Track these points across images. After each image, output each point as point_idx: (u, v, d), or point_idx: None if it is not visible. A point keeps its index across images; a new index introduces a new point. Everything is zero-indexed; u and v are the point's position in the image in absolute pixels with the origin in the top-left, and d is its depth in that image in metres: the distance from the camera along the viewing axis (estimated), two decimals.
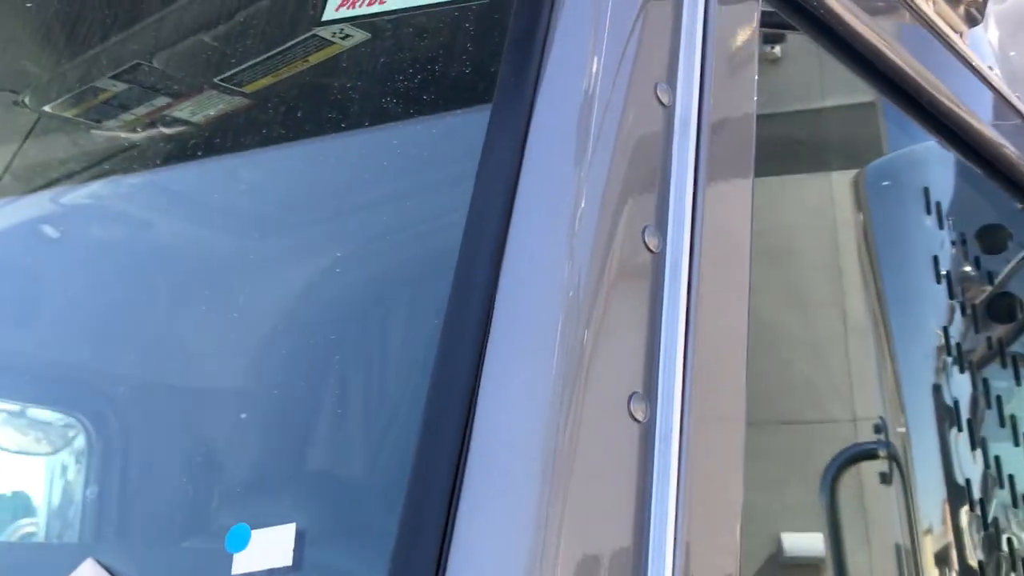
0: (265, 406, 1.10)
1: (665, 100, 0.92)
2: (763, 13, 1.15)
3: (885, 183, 1.93)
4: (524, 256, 0.82)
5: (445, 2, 1.01)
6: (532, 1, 0.95)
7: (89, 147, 1.51)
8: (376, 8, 1.03)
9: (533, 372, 0.78)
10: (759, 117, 2.14)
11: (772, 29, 1.21)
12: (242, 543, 0.78)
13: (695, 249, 0.88)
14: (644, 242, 0.87)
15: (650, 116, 0.92)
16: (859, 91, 2.09)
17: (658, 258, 0.87)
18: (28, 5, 1.40)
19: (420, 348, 0.95)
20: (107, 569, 0.82)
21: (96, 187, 1.50)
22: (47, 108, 1.50)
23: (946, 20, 1.44)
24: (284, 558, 0.75)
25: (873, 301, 2.03)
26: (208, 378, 1.19)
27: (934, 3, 1.43)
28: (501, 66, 0.91)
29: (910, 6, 1.34)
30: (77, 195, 1.51)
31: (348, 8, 1.05)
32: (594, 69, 0.90)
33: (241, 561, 0.77)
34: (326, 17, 1.07)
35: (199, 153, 1.38)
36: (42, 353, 1.41)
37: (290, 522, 0.78)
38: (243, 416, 1.11)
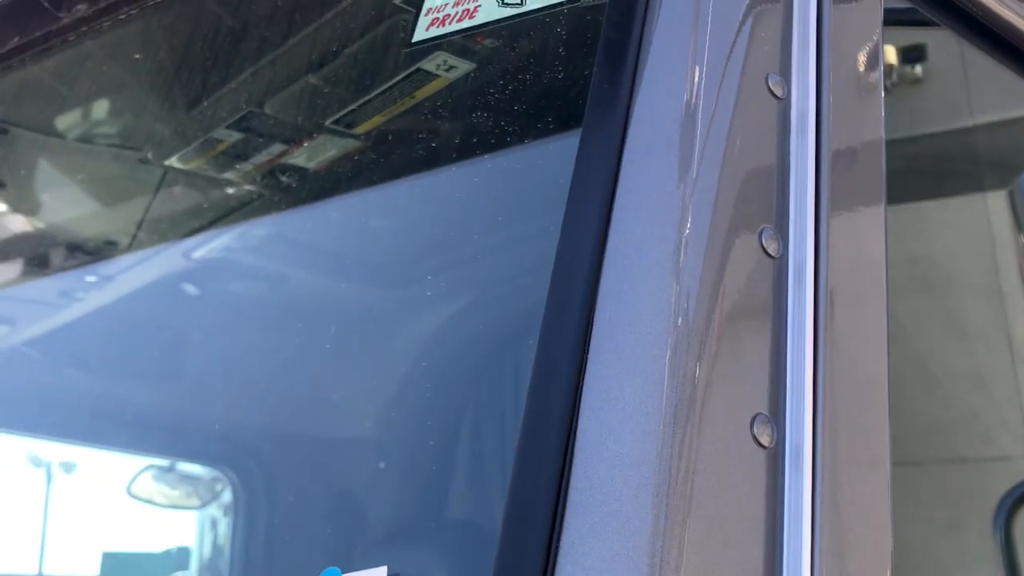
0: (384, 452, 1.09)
1: (779, 92, 0.84)
2: (896, 11, 1.05)
3: None
4: (625, 266, 0.75)
5: (536, 10, 0.96)
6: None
7: (214, 198, 1.54)
8: (466, 23, 1.00)
9: (639, 395, 0.71)
10: (904, 140, 2.02)
11: (909, 25, 1.11)
12: None
13: (820, 253, 0.79)
14: (762, 246, 0.79)
15: (763, 109, 0.84)
16: (1009, 106, 1.95)
17: (779, 263, 0.79)
18: (137, 57, 1.44)
19: (516, 380, 0.89)
20: None
21: (225, 238, 1.52)
22: (170, 163, 1.54)
23: None
24: None
25: None
26: (327, 428, 1.18)
27: None
28: (595, 66, 0.85)
29: None
30: (207, 248, 1.53)
31: (438, 27, 1.02)
32: (697, 62, 0.83)
33: None
34: (416, 38, 1.05)
35: (320, 197, 1.38)
36: (182, 407, 1.43)
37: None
38: (380, 465, 1.10)
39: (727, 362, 0.74)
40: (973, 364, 2.13)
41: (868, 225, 0.87)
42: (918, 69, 2.11)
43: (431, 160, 1.22)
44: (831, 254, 0.78)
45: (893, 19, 1.11)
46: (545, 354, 0.73)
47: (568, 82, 0.98)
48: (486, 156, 1.13)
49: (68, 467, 1.56)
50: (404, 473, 1.06)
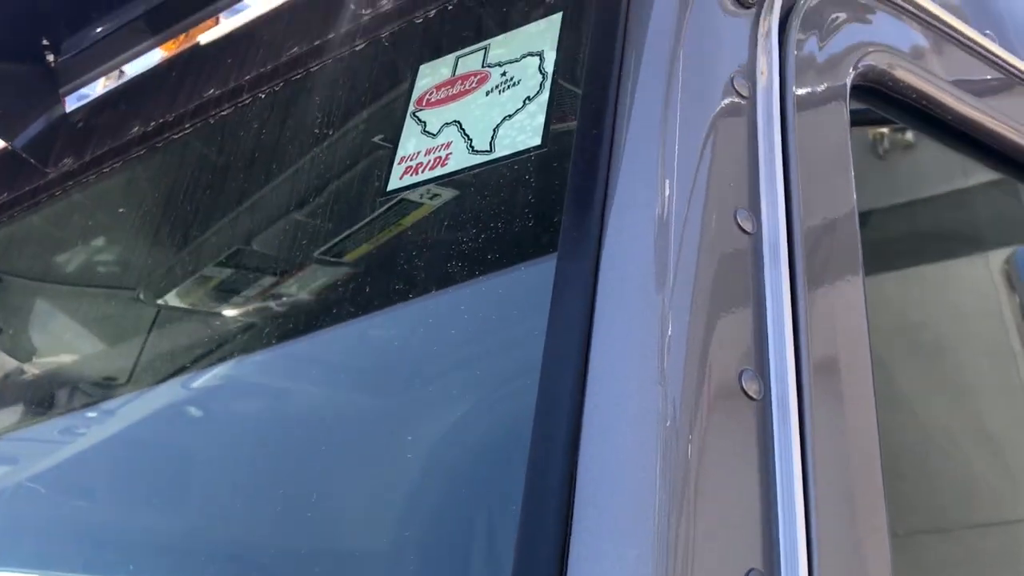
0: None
1: (748, 227, 0.84)
2: (855, 111, 1.06)
3: None
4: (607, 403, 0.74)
5: (504, 157, 0.97)
6: (593, 140, 0.89)
7: (210, 331, 1.54)
8: (439, 171, 1.01)
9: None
10: (901, 206, 2.01)
11: (869, 127, 1.12)
12: None
13: (804, 399, 0.78)
14: (742, 387, 0.78)
15: (734, 244, 0.84)
16: None
17: (761, 405, 0.78)
18: (120, 212, 1.46)
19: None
20: None
21: (222, 369, 1.52)
22: (163, 301, 1.55)
23: None
24: None
25: None
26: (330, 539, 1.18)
27: None
28: (564, 212, 0.85)
29: None
30: (205, 379, 1.53)
31: (412, 175, 1.03)
32: (664, 204, 0.83)
33: None
34: (391, 187, 1.05)
35: (314, 323, 1.39)
36: (192, 535, 1.42)
37: None
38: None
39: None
40: (991, 425, 2.10)
41: (853, 328, 0.86)
42: (909, 135, 2.11)
43: (418, 284, 1.22)
44: (815, 397, 0.76)
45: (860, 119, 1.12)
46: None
47: (545, 209, 0.99)
48: (469, 280, 1.13)
49: None
50: None
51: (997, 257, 2.13)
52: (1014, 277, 1.83)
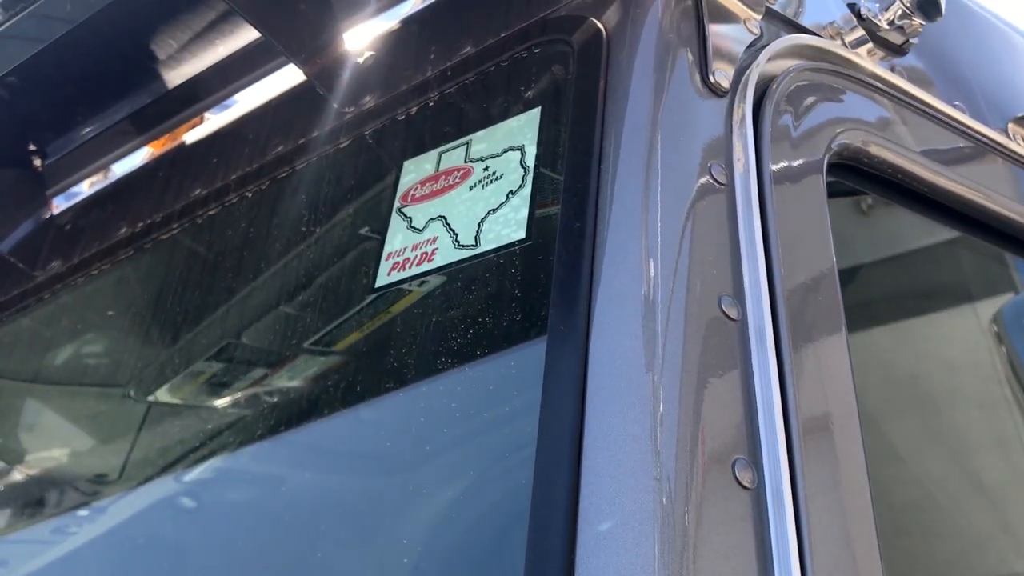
0: None
1: (733, 314, 0.85)
2: (833, 184, 1.08)
3: None
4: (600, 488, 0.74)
5: (490, 251, 0.98)
6: (576, 232, 0.91)
7: (201, 426, 1.54)
8: (426, 266, 1.02)
9: None
10: (887, 260, 2.03)
11: (844, 196, 1.14)
12: None
13: (798, 488, 0.78)
14: (736, 477, 0.78)
15: (720, 332, 0.84)
16: None
17: (755, 494, 0.78)
18: (108, 314, 1.46)
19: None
20: None
21: (213, 463, 1.51)
22: (154, 397, 1.54)
23: None
24: None
25: None
26: None
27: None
28: (551, 305, 0.86)
29: (998, 149, 1.25)
30: (197, 474, 1.53)
31: (399, 271, 1.04)
32: (649, 294, 0.84)
33: None
34: (379, 283, 1.06)
35: (305, 414, 1.38)
36: None
37: None
38: None
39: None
40: (992, 477, 2.09)
41: (840, 393, 0.86)
42: None
43: (407, 376, 1.22)
44: (809, 492, 0.77)
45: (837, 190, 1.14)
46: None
47: (534, 299, 1.00)
48: (458, 370, 1.14)
49: None
50: None
51: (985, 308, 2.15)
52: (1002, 332, 1.84)
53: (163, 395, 1.54)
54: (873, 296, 2.18)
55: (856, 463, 0.85)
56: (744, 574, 0.74)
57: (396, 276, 1.04)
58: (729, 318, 0.85)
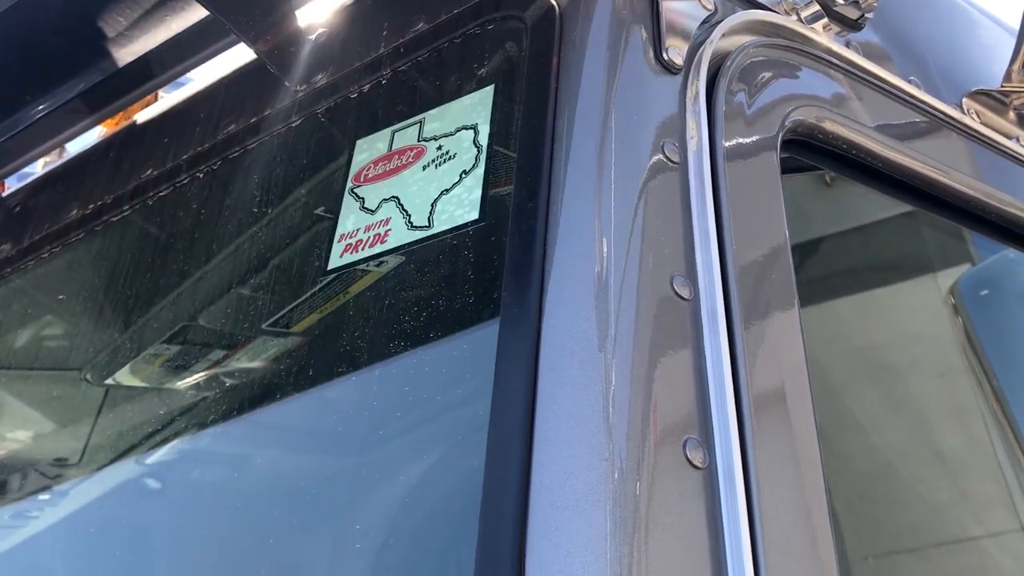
0: None
1: (685, 294, 0.85)
2: (788, 159, 1.08)
3: (984, 292, 1.78)
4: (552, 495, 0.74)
5: (443, 232, 0.97)
6: (528, 212, 0.90)
7: (157, 408, 1.53)
8: (379, 248, 1.01)
9: None
10: (849, 232, 2.04)
11: (799, 172, 1.14)
12: None
13: (750, 468, 0.78)
14: (687, 457, 0.78)
15: (672, 312, 0.84)
16: None
17: (707, 473, 0.78)
18: (61, 298, 1.44)
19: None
20: None
21: (172, 445, 1.50)
22: (111, 380, 1.53)
23: (997, 129, 1.34)
24: None
25: (995, 406, 1.86)
26: None
27: (979, 115, 1.33)
28: (504, 285, 0.86)
29: (952, 124, 1.25)
30: (155, 456, 1.51)
31: (352, 253, 1.03)
32: (601, 273, 0.83)
33: None
34: (332, 265, 1.05)
35: (262, 395, 1.38)
36: None
37: None
38: None
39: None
40: (952, 445, 2.12)
41: (796, 409, 0.87)
42: None
43: (362, 356, 1.22)
44: (760, 471, 0.77)
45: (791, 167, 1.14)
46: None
47: (487, 278, 0.99)
48: (413, 350, 1.13)
49: None
50: None
51: (946, 279, 2.17)
52: (958, 303, 1.86)
53: (119, 378, 1.52)
54: (836, 268, 2.20)
55: (808, 440, 0.86)
56: (695, 553, 0.74)
57: (349, 258, 1.03)
58: (681, 298, 0.85)
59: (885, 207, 2.20)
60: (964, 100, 1.38)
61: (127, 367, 1.50)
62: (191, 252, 1.34)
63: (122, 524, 1.47)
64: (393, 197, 1.03)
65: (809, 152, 1.13)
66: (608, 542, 0.72)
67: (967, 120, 1.32)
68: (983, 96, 1.39)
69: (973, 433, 2.06)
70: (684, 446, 0.78)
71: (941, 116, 1.30)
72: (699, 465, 0.78)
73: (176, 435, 1.48)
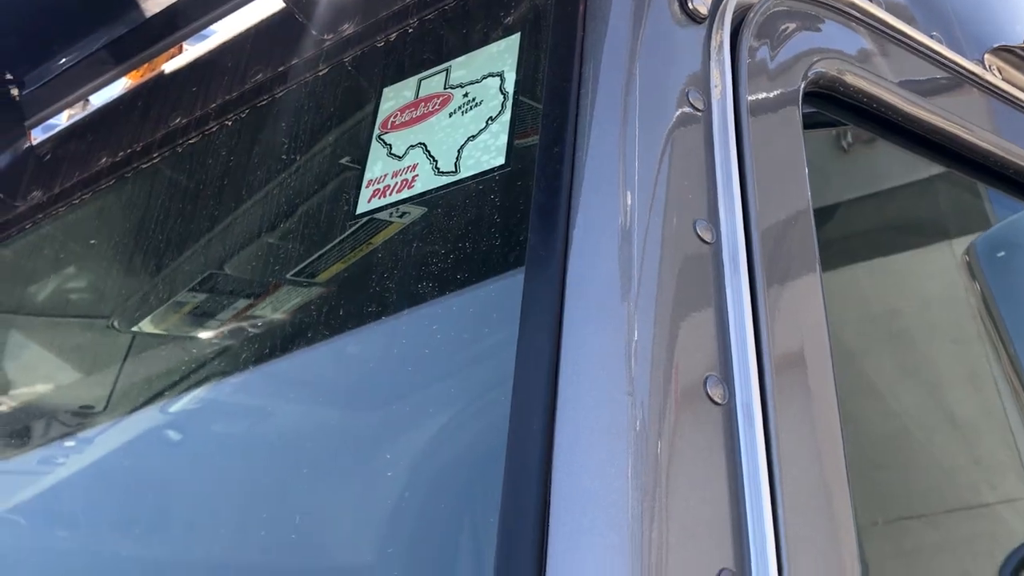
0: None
1: (707, 237, 0.87)
2: (809, 115, 1.09)
3: (1000, 253, 1.79)
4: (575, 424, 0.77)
5: (469, 177, 0.99)
6: (554, 157, 0.92)
7: (185, 356, 1.55)
8: (406, 193, 1.03)
9: None
10: (867, 198, 2.05)
11: (821, 128, 1.15)
12: None
13: (767, 391, 0.81)
14: (707, 392, 0.80)
15: (694, 255, 0.86)
16: None
17: (726, 409, 0.80)
18: (91, 243, 1.47)
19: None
20: None
21: (198, 392, 1.53)
22: (138, 328, 1.55)
23: (1018, 85, 1.34)
24: None
25: (1009, 371, 1.88)
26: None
27: (1001, 72, 1.34)
28: (530, 229, 0.88)
29: (974, 80, 1.26)
30: (182, 403, 1.54)
31: (379, 198, 1.05)
32: (626, 216, 0.85)
33: None
34: (360, 210, 1.07)
35: (289, 343, 1.40)
36: (179, 556, 1.43)
37: None
38: None
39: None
40: (965, 411, 2.13)
41: (812, 329, 0.89)
42: None
43: (388, 302, 1.24)
44: (778, 399, 0.79)
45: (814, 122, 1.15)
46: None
47: (513, 224, 1.01)
48: (439, 297, 1.16)
49: None
50: None
51: (961, 243, 2.17)
52: (974, 266, 1.87)
53: (147, 326, 1.55)
54: (852, 232, 2.20)
55: (824, 382, 0.88)
56: (714, 483, 0.77)
57: (376, 203, 1.05)
58: (704, 241, 0.87)
59: (901, 173, 2.20)
60: (986, 56, 1.39)
61: (154, 315, 1.53)
62: (219, 200, 1.36)
63: (145, 473, 1.50)
64: (420, 144, 1.05)
65: (831, 105, 1.14)
66: (630, 473, 0.74)
67: (989, 76, 1.32)
68: (1005, 52, 1.39)
69: (987, 399, 2.07)
70: (705, 383, 0.80)
71: (963, 72, 1.30)
72: (719, 401, 0.80)
73: (202, 383, 1.51)
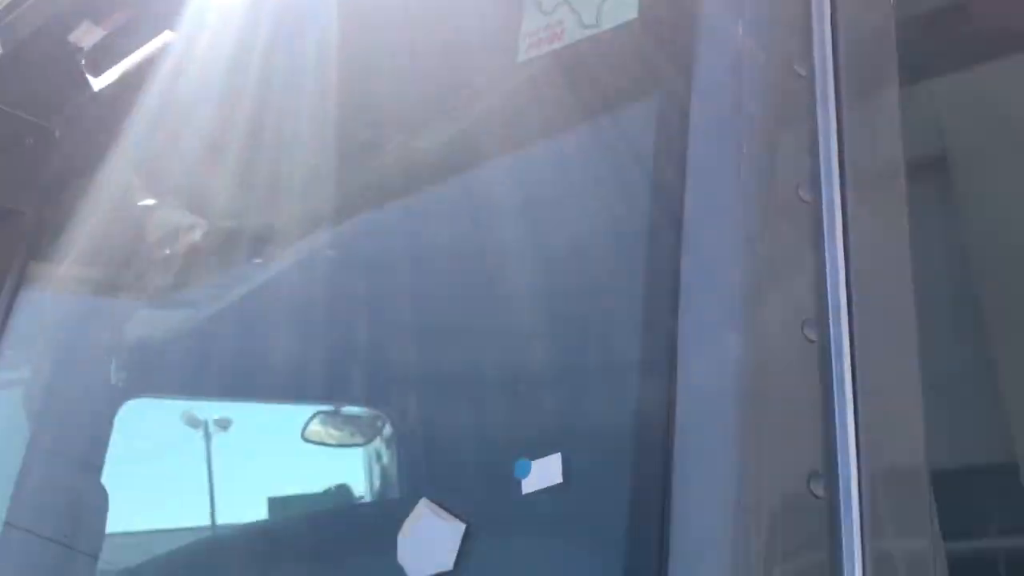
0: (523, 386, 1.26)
1: (807, 198, 1.00)
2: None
3: None
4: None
5: (608, 29, 1.13)
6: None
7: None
8: (556, 45, 1.18)
9: None
10: None
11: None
12: (526, 471, 1.04)
13: (854, 337, 0.95)
14: (803, 333, 0.95)
15: (795, 214, 0.99)
16: None
17: (820, 347, 0.95)
18: None
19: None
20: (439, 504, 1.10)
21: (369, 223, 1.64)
22: None
23: None
24: (556, 477, 1.02)
25: None
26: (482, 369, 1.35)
27: None
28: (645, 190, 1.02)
29: None
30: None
31: (536, 48, 1.21)
32: (733, 180, 0.99)
33: (527, 483, 1.04)
34: (521, 58, 1.23)
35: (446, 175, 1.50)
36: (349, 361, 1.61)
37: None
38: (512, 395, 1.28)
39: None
40: None
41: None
42: None
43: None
44: (864, 348, 0.93)
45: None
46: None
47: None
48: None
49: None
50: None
51: None
52: None
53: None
54: None
55: (908, 330, 1.02)
56: (808, 409, 0.92)
57: (534, 52, 1.20)
58: (803, 201, 1.00)
59: None
60: None
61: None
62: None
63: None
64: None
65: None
66: (732, 394, 0.90)
67: None
68: None
69: None
70: (802, 326, 0.95)
71: None
72: (813, 340, 0.95)
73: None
